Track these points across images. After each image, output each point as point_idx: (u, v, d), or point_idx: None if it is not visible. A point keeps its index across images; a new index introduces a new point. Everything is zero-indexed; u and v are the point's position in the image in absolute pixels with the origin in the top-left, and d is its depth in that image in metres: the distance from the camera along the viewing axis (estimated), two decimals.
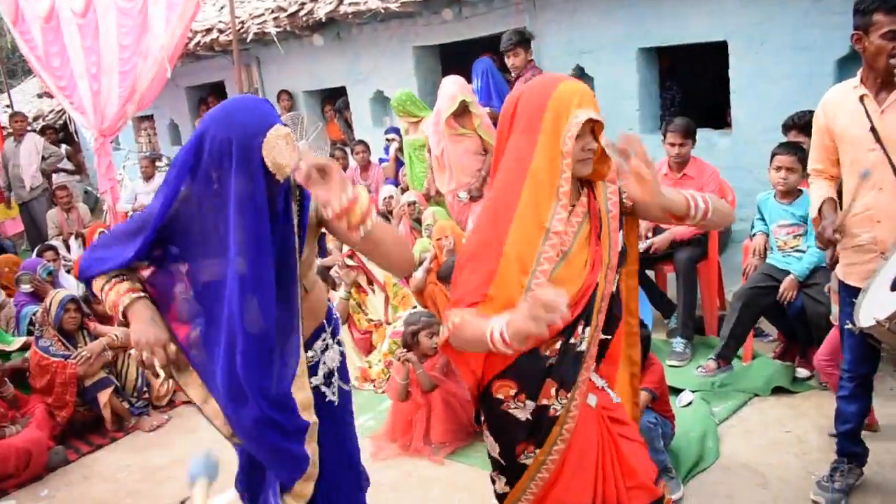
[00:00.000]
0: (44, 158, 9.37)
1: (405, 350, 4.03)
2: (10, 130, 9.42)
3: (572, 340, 2.02)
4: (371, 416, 4.45)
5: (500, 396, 2.07)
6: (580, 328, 2.02)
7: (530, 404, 2.05)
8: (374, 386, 4.82)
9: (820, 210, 2.96)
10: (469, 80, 6.43)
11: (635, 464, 2.11)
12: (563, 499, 2.08)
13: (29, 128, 10.20)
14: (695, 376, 4.31)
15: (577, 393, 2.05)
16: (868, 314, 2.57)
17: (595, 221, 2.08)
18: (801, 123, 4.33)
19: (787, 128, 4.51)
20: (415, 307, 5.09)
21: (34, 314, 5.08)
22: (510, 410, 2.07)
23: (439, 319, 4.12)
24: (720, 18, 5.45)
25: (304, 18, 7.91)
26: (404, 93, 6.70)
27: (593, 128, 2.02)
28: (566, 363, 2.03)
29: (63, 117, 12.29)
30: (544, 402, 2.04)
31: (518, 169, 2.01)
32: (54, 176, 9.77)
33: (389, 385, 4.27)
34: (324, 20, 7.77)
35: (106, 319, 5.21)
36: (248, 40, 8.50)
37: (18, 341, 5.16)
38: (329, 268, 5.95)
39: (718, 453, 3.56)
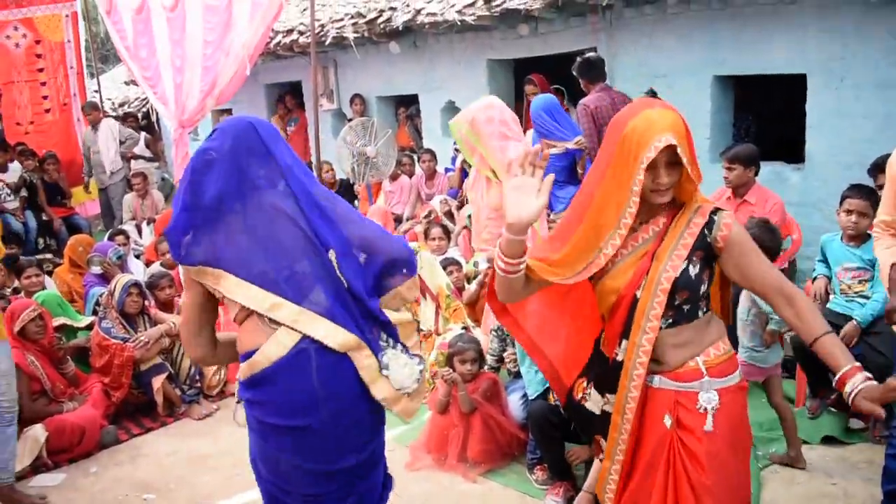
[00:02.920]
0: (121, 143, 9.70)
1: (450, 369, 4.04)
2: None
3: (615, 350, 2.22)
4: (412, 426, 4.48)
5: (579, 394, 2.36)
6: (620, 341, 2.21)
7: (597, 398, 2.30)
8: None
9: (890, 276, 2.82)
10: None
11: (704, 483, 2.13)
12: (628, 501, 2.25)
13: (111, 114, 10.58)
14: None
15: (627, 397, 2.18)
16: None
17: (660, 241, 2.16)
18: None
19: (876, 167, 4.28)
20: (464, 326, 5.10)
21: (101, 296, 5.28)
22: (585, 404, 2.34)
23: (478, 346, 4.12)
24: (800, 51, 5.32)
25: (382, 26, 8.03)
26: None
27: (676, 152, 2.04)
28: (610, 370, 2.24)
29: (146, 106, 12.74)
30: (603, 399, 2.29)
31: (587, 193, 2.18)
32: (133, 162, 10.12)
33: (431, 396, 4.29)
34: (401, 28, 7.87)
35: (167, 307, 5.38)
36: (326, 43, 8.67)
37: (85, 320, 5.37)
38: None
39: (759, 500, 3.46)
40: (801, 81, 5.41)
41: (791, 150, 6.07)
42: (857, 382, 2.01)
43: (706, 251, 2.16)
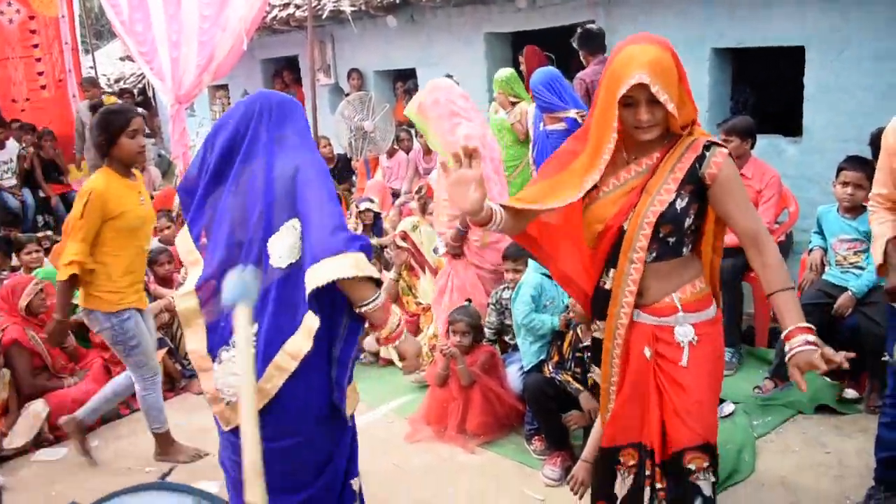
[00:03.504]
0: None
1: (447, 343, 4.07)
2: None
3: (602, 278, 2.34)
4: (412, 398, 4.53)
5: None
6: (607, 269, 2.31)
7: (596, 326, 2.43)
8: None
9: (885, 251, 2.82)
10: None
11: (686, 413, 2.26)
12: (614, 424, 2.41)
13: (106, 90, 10.48)
14: (738, 387, 4.24)
15: (617, 323, 2.30)
16: None
17: (651, 175, 2.21)
18: None
19: (875, 139, 4.30)
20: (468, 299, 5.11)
21: None
22: (594, 333, 2.47)
23: (477, 320, 4.15)
24: (799, 22, 5.29)
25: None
26: (510, 71, 6.51)
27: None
28: (598, 298, 2.38)
29: (142, 81, 12.67)
30: (594, 326, 2.44)
31: (586, 127, 2.30)
32: None
33: (429, 370, 4.32)
34: (398, 2, 7.82)
35: (166, 282, 5.40)
36: (323, 17, 8.61)
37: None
38: (383, 248, 6.03)
39: (754, 468, 3.51)
40: (799, 54, 5.39)
41: (789, 122, 6.07)
42: (794, 344, 2.04)
43: (696, 185, 2.20)
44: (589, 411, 3.42)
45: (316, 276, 2.02)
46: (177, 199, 7.90)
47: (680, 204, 2.19)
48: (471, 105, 4.53)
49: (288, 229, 2.13)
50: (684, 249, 2.29)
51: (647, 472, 2.33)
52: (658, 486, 2.32)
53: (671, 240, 2.24)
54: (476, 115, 4.50)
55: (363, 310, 2.12)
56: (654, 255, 2.25)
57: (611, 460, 2.43)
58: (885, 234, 2.85)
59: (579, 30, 5.74)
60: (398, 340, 2.23)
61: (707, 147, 2.18)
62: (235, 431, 2.16)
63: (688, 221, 2.23)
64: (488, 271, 4.51)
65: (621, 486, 2.42)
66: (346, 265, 2.02)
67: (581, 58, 5.80)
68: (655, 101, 2.08)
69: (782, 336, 2.10)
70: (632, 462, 2.38)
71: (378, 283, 2.15)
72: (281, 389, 2.13)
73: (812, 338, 2.03)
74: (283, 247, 2.13)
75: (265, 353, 2.13)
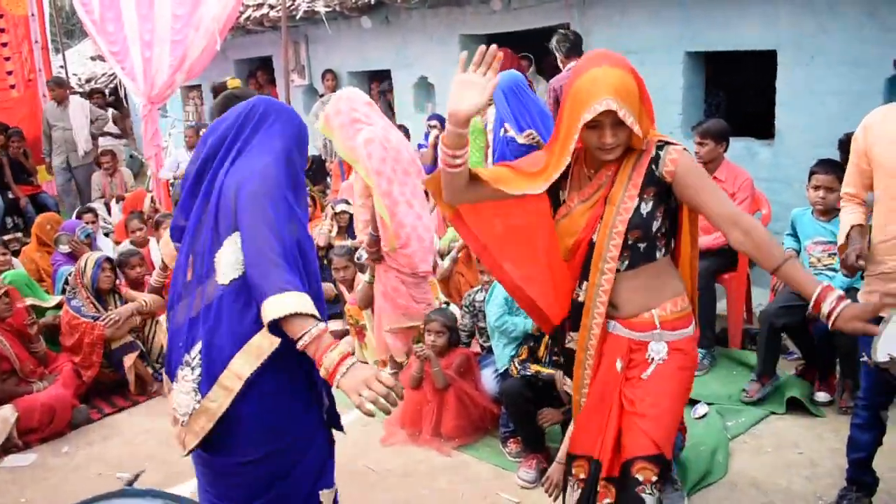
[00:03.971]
0: (92, 122, 9.50)
1: (422, 346, 4.05)
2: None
3: (576, 291, 2.35)
4: None
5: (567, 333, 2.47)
6: (581, 282, 2.32)
7: (570, 337, 2.43)
8: (390, 370, 4.85)
9: (848, 235, 2.90)
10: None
11: (641, 418, 2.25)
12: (576, 433, 2.43)
13: (77, 90, 10.29)
14: (712, 389, 4.26)
15: (590, 334, 2.31)
16: (885, 349, 2.51)
17: (611, 185, 2.21)
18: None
19: (844, 143, 4.38)
20: (447, 302, 5.09)
21: (70, 274, 5.21)
22: (567, 344, 2.46)
23: (453, 322, 4.14)
24: (772, 27, 5.35)
25: (354, 0, 7.93)
26: None
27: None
28: (572, 310, 2.38)
29: (114, 81, 12.51)
30: (567, 337, 2.44)
31: (543, 154, 2.30)
32: (100, 139, 9.92)
33: (404, 372, 4.30)
34: (373, 3, 7.80)
35: (137, 285, 5.33)
36: (297, 17, 8.56)
37: (54, 300, 5.30)
38: (356, 250, 5.99)
39: (727, 469, 3.53)
40: (771, 58, 5.45)
41: (761, 126, 6.13)
42: (832, 303, 1.97)
43: (657, 186, 2.19)
44: (563, 393, 3.41)
45: (266, 313, 1.88)
46: (147, 201, 7.81)
47: (645, 209, 2.19)
48: (375, 111, 4.54)
49: (231, 244, 2.05)
50: (657, 254, 2.28)
51: (597, 489, 2.29)
52: (608, 501, 2.27)
53: (642, 245, 2.24)
54: (379, 119, 4.50)
55: (300, 345, 1.88)
56: (626, 262, 2.25)
57: (567, 468, 2.44)
58: (851, 221, 2.94)
59: (557, 34, 5.75)
60: (337, 376, 1.85)
61: (660, 147, 2.19)
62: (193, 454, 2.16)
63: (655, 225, 2.22)
64: (409, 275, 4.50)
65: (570, 498, 2.41)
66: (289, 304, 1.87)
67: (559, 61, 5.81)
68: (621, 123, 2.08)
69: (812, 301, 2.01)
70: (582, 475, 2.36)
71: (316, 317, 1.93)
72: (230, 409, 2.05)
73: (840, 292, 2.00)
74: (226, 263, 2.05)
75: (208, 371, 2.05)
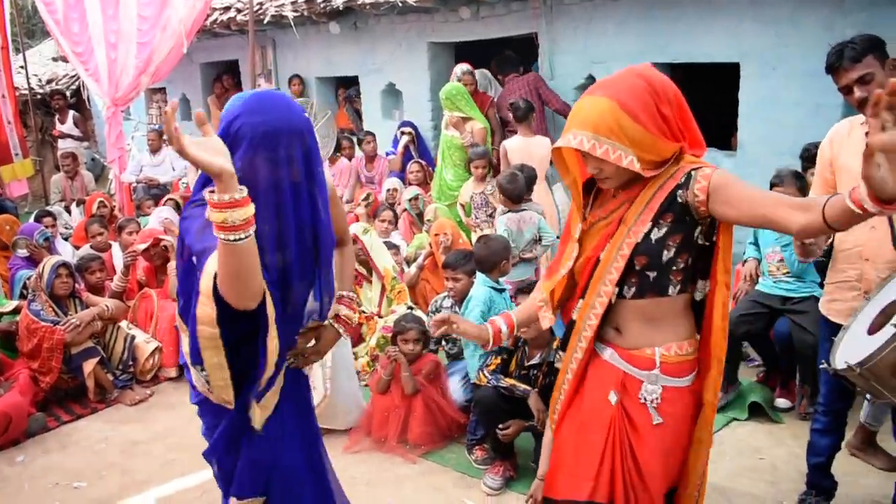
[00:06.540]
0: None
1: (396, 348, 4.03)
2: None
3: (574, 309, 2.25)
4: None
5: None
6: (578, 301, 2.23)
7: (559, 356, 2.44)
8: (358, 378, 4.82)
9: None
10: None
11: (651, 471, 2.14)
12: (557, 472, 2.27)
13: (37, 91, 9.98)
14: None
15: (573, 357, 2.24)
16: (843, 356, 2.56)
17: (629, 206, 2.09)
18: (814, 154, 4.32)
19: (806, 153, 4.51)
20: (409, 307, 5.09)
21: (28, 278, 5.10)
22: (557, 364, 2.47)
23: (424, 327, 4.11)
24: (735, 39, 5.44)
25: (322, 5, 7.92)
26: (456, 87, 6.47)
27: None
28: (567, 329, 2.31)
29: (76, 83, 12.31)
30: (556, 356, 2.48)
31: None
32: (60, 142, 9.75)
33: (372, 377, 4.28)
34: (341, 8, 7.78)
35: (97, 290, 5.23)
36: (265, 22, 8.51)
37: (11, 304, 5.18)
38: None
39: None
40: (735, 70, 5.54)
41: (724, 137, 6.23)
42: (852, 190, 1.64)
43: (677, 213, 2.02)
44: (537, 411, 3.39)
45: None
46: (95, 205, 7.59)
47: (656, 234, 2.04)
48: None
49: None
50: (670, 289, 2.09)
51: None
52: None
53: (650, 274, 2.08)
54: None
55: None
56: (633, 289, 2.11)
57: None
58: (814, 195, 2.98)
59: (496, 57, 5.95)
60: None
61: (689, 173, 2.01)
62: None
63: (666, 254, 2.05)
64: None
65: None
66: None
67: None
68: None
69: (848, 195, 1.65)
70: None
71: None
72: None
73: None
74: None
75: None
